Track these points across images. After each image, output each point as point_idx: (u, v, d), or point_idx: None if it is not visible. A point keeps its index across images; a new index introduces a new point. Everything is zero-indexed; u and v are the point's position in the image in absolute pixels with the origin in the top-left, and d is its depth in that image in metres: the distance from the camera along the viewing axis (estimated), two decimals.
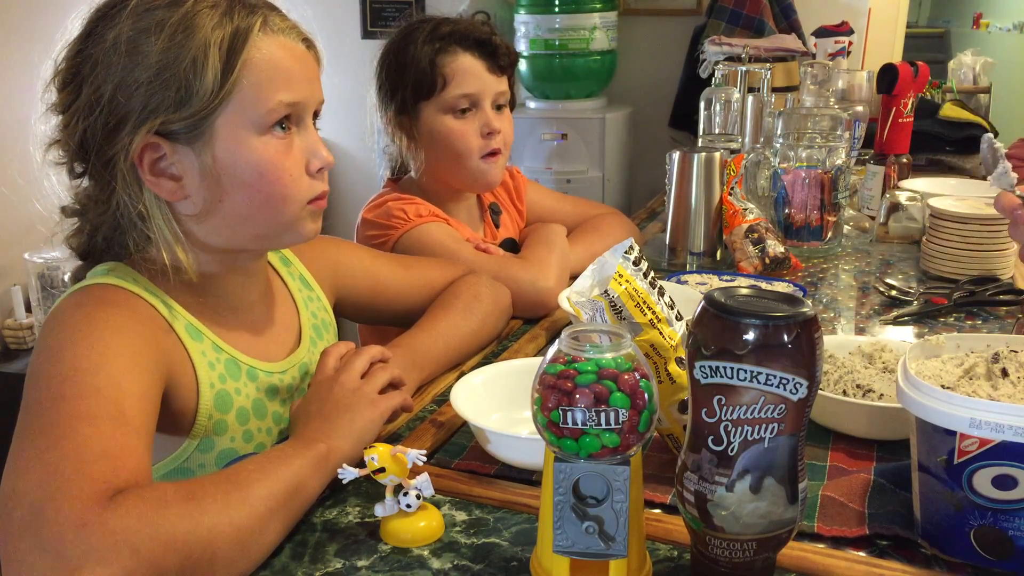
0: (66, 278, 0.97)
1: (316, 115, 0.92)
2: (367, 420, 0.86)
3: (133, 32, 0.81)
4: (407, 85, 1.39)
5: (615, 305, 0.78)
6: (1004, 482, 0.65)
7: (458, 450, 0.90)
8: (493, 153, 1.41)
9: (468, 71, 1.38)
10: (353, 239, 1.40)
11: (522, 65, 2.72)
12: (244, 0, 0.86)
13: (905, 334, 1.22)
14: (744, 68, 1.89)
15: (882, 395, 0.91)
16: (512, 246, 1.50)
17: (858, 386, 0.93)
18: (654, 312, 0.79)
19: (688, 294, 1.24)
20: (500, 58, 1.40)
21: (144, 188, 0.84)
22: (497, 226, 1.53)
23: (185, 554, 0.63)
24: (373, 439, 0.85)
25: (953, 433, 0.66)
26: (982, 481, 0.66)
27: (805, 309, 0.61)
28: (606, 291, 0.78)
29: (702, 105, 1.83)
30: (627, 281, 0.79)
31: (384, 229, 1.36)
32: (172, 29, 0.81)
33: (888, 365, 0.97)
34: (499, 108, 1.42)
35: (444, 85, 1.37)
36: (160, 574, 0.62)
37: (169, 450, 0.88)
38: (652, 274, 0.82)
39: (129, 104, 0.81)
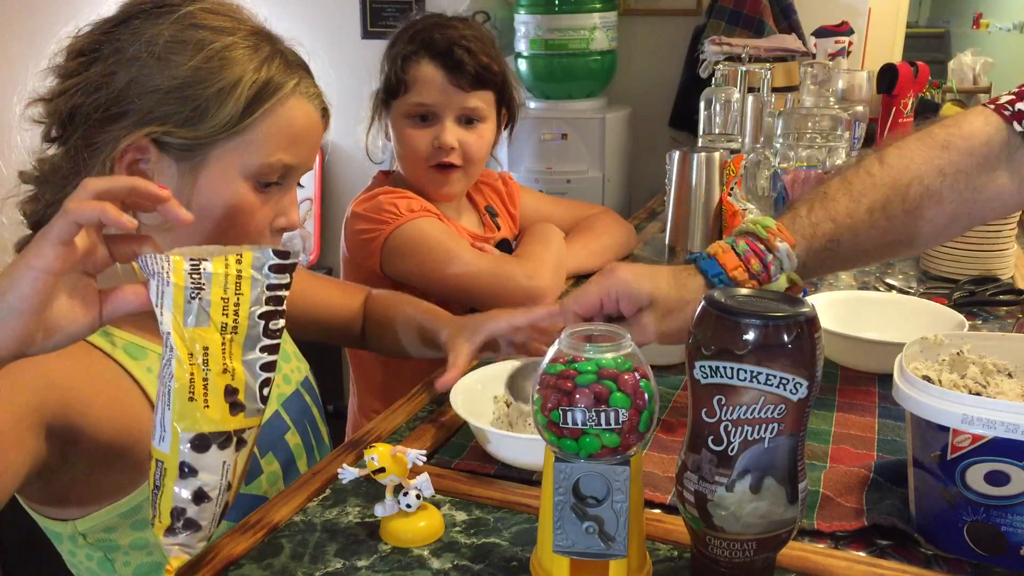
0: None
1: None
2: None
3: (171, 40, 0.81)
4: (384, 81, 1.40)
5: None
6: (997, 478, 0.66)
7: (458, 450, 0.90)
8: (446, 166, 1.39)
9: (428, 81, 1.35)
10: None
11: (522, 65, 2.71)
12: (284, 56, 0.87)
13: None
14: (744, 68, 1.89)
15: None
16: (507, 247, 1.50)
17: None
18: None
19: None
20: (464, 74, 1.36)
21: None
22: (498, 227, 1.53)
23: None
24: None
25: (946, 429, 0.66)
26: (975, 477, 0.66)
27: (805, 309, 0.61)
28: None
29: (702, 105, 1.83)
30: None
31: (375, 223, 1.34)
32: (211, 53, 0.81)
33: None
34: (469, 122, 1.39)
35: (405, 91, 1.37)
36: None
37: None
38: None
39: (138, 102, 0.81)
